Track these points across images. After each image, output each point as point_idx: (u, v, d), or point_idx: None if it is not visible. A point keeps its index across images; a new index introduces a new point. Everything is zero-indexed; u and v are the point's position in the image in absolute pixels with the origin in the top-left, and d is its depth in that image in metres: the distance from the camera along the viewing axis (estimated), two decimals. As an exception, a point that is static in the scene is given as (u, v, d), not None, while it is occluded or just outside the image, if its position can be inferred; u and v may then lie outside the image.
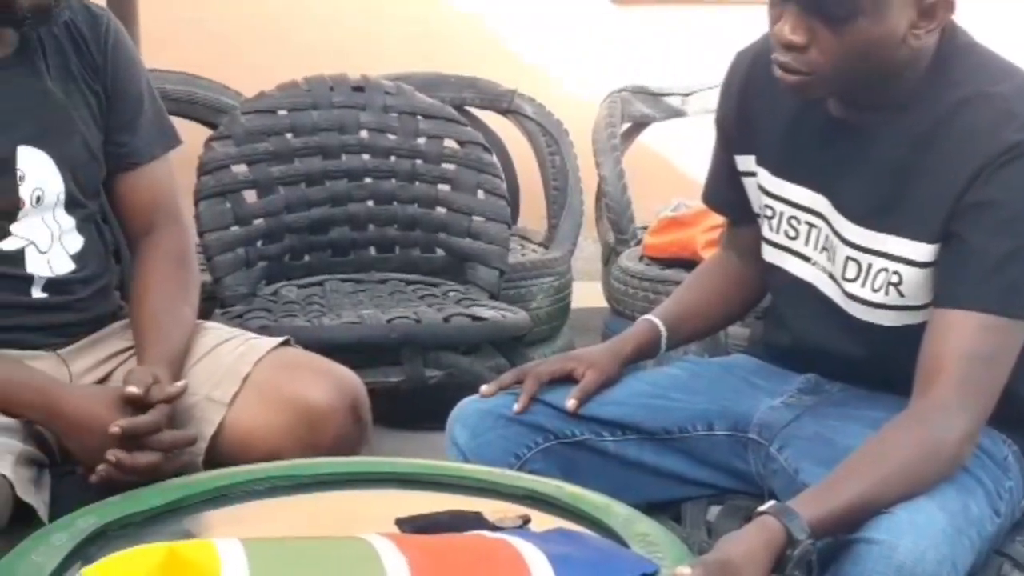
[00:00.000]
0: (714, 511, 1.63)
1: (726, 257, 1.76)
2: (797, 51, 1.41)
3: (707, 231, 2.70)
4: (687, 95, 3.33)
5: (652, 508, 1.49)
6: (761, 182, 1.60)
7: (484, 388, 1.62)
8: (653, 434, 1.61)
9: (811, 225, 1.55)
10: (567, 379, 1.61)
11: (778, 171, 1.57)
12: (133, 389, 1.52)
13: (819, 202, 1.53)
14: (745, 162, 1.63)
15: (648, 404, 1.61)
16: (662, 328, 1.68)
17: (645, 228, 3.00)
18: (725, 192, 1.70)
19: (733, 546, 1.26)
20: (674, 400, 1.62)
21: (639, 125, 3.35)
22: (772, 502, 1.32)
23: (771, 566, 1.25)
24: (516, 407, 1.58)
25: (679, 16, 3.96)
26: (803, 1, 1.39)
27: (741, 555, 1.24)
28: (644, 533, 1.28)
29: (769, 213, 1.59)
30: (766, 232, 1.61)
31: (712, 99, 1.79)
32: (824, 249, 1.54)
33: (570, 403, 1.58)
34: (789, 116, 1.55)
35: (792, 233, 1.57)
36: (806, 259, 1.57)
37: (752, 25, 1.69)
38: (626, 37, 3.93)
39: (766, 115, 1.58)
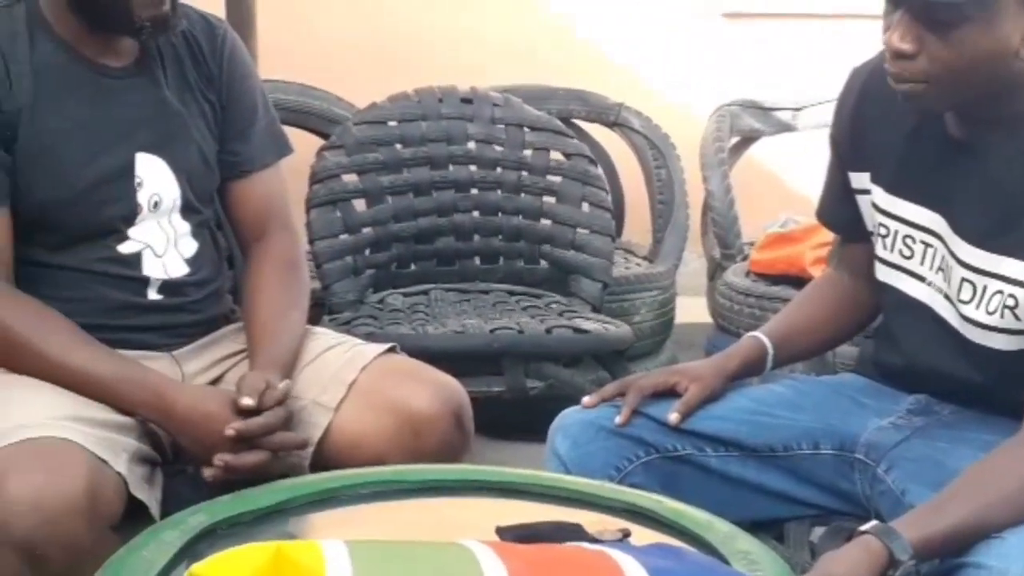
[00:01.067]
0: (818, 532, 1.60)
1: (837, 276, 1.73)
2: (907, 59, 1.39)
3: (816, 248, 2.67)
4: (798, 110, 3.29)
5: (754, 526, 1.46)
6: (875, 200, 1.57)
7: (586, 399, 1.62)
8: (756, 451, 1.59)
9: (927, 245, 1.52)
10: (670, 393, 1.60)
11: (893, 189, 1.55)
12: (247, 401, 1.55)
13: (935, 221, 1.50)
14: (859, 179, 1.60)
15: (752, 420, 1.60)
16: (769, 346, 1.66)
17: (752, 244, 2.97)
18: (838, 209, 1.67)
19: (834, 565, 1.24)
20: (779, 417, 1.60)
21: (748, 140, 3.32)
22: (874, 522, 1.29)
23: None
24: (618, 420, 1.57)
25: (791, 30, 3.92)
26: (911, 8, 1.37)
27: (842, 575, 1.22)
28: (746, 551, 1.26)
29: (883, 232, 1.57)
30: (880, 251, 1.58)
31: (824, 114, 1.77)
32: (940, 269, 1.51)
33: (672, 416, 1.58)
34: (905, 134, 1.52)
35: (907, 252, 1.54)
36: (921, 279, 1.54)
37: (866, 39, 1.67)
38: (736, 51, 3.90)
39: (881, 132, 1.55)
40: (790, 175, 3.74)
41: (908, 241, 1.54)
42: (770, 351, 1.66)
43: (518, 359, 2.33)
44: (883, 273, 1.58)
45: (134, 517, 1.48)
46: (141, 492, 1.50)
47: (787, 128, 3.31)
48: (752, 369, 1.67)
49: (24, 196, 1.61)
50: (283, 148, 1.84)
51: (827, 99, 1.71)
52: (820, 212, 1.74)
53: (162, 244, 1.70)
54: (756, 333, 1.68)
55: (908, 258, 1.54)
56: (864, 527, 1.28)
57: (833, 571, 1.23)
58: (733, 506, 1.49)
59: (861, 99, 1.58)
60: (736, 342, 1.68)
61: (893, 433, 1.55)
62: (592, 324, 2.41)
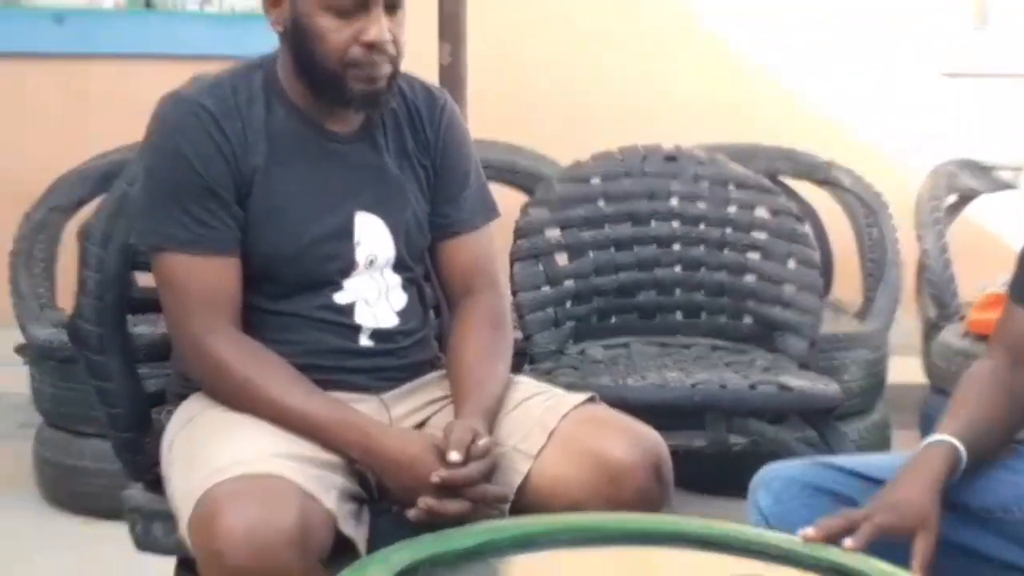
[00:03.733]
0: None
1: (994, 366, 1.59)
2: None
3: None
4: (1018, 169, 3.16)
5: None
6: None
7: (808, 531, 1.41)
8: (971, 511, 1.50)
9: None
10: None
11: None
12: (455, 456, 1.57)
13: None
14: None
15: (968, 481, 1.51)
16: (963, 454, 1.49)
17: (968, 304, 2.85)
18: None
19: None
20: (995, 480, 1.52)
21: (965, 199, 3.21)
22: None
23: None
24: (852, 543, 1.39)
25: (1011, 90, 3.78)
26: None
27: None
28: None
29: None
30: None
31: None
32: None
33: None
34: None
35: None
36: None
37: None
38: (954, 110, 3.78)
39: None
40: (1009, 234, 3.58)
41: None
42: (963, 461, 1.49)
43: (720, 414, 2.29)
44: None
45: (341, 553, 1.52)
46: (349, 528, 1.55)
47: (1007, 187, 3.18)
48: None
49: (252, 249, 1.70)
50: (491, 212, 1.89)
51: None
52: (1014, 291, 1.61)
53: (374, 296, 1.76)
54: (945, 437, 1.50)
55: None
56: None
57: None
58: (944, 570, 1.42)
59: None
60: (930, 453, 1.50)
61: None
62: (798, 381, 2.35)
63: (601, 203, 2.67)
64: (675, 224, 2.68)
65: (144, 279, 1.84)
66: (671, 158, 2.72)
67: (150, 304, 1.80)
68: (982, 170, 3.19)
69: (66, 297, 2.74)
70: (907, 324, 3.30)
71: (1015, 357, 1.59)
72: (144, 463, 1.81)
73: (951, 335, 2.75)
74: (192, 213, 1.66)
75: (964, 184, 3.17)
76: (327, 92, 1.69)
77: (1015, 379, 1.58)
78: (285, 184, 1.70)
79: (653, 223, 2.67)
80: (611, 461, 1.61)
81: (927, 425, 3.08)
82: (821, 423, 2.35)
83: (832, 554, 1.38)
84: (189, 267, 1.67)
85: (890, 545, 1.41)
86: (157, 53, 3.71)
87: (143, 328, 2.10)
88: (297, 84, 1.72)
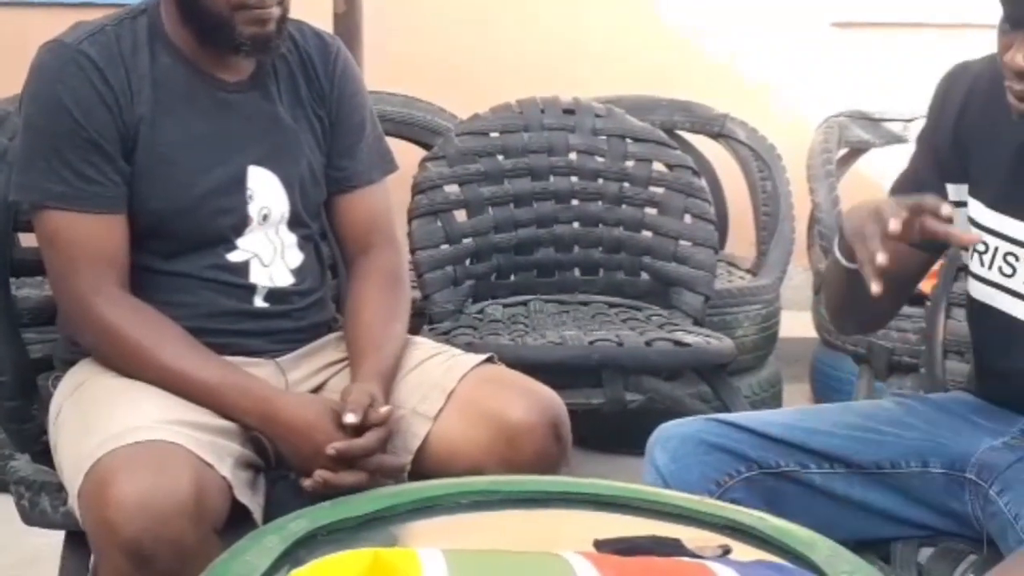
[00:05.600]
0: (926, 553, 1.56)
1: None
2: None
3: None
4: (909, 121, 3.22)
5: (859, 546, 1.43)
6: (972, 214, 1.52)
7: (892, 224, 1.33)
8: (863, 468, 1.55)
9: None
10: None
11: (997, 205, 1.49)
12: (351, 418, 1.56)
13: None
14: (957, 191, 1.55)
15: (859, 437, 1.56)
16: None
17: (859, 257, 2.90)
18: None
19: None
20: (887, 434, 1.56)
21: (856, 151, 3.26)
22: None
23: None
24: (893, 226, 1.33)
25: (901, 40, 3.84)
26: None
27: None
28: (851, 572, 1.23)
29: (982, 248, 1.51)
30: (976, 268, 1.53)
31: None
32: None
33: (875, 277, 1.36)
34: (1012, 146, 1.47)
35: (1008, 271, 1.49)
36: (1022, 297, 1.48)
37: (976, 49, 1.62)
38: (845, 61, 3.84)
39: (985, 143, 1.50)
40: (900, 187, 3.66)
41: (1010, 259, 1.48)
42: None
43: (617, 372, 2.31)
44: (979, 291, 1.53)
45: (237, 521, 1.50)
46: (245, 496, 1.52)
47: (897, 139, 3.24)
48: None
49: (140, 205, 1.65)
50: (389, 165, 1.86)
51: (940, 110, 1.65)
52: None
53: (269, 254, 1.73)
54: None
55: (1009, 276, 1.49)
56: None
57: None
58: (837, 525, 1.46)
59: (963, 109, 1.53)
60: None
61: (1007, 454, 1.50)
62: (693, 337, 2.38)
63: (500, 158, 2.66)
64: (574, 179, 2.68)
65: (27, 239, 1.78)
66: (569, 111, 2.72)
67: (34, 266, 1.74)
68: (872, 122, 3.23)
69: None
70: (799, 278, 3.36)
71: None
72: (30, 432, 1.75)
73: (841, 288, 2.80)
74: (74, 167, 1.60)
75: (855, 136, 3.21)
76: (215, 37, 1.64)
77: None
78: (172, 135, 1.65)
79: (552, 178, 2.67)
80: (510, 422, 1.62)
81: (818, 379, 3.16)
82: (715, 379, 2.39)
83: (728, 511, 1.40)
84: (73, 225, 1.61)
85: None
86: (38, 0, 3.57)
87: (27, 291, 2.03)
88: (183, 31, 1.66)
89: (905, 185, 1.61)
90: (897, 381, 2.11)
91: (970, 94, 1.52)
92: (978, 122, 1.51)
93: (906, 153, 3.38)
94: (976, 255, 1.52)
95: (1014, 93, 1.36)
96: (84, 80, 1.61)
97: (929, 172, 1.59)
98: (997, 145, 1.48)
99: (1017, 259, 1.48)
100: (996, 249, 1.50)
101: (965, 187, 1.53)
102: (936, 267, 2.45)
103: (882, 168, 3.56)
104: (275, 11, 1.63)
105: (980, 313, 1.55)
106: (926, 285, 2.50)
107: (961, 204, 1.54)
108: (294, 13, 1.71)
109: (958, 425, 1.56)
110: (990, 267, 1.51)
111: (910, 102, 3.23)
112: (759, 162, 3.18)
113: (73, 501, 1.52)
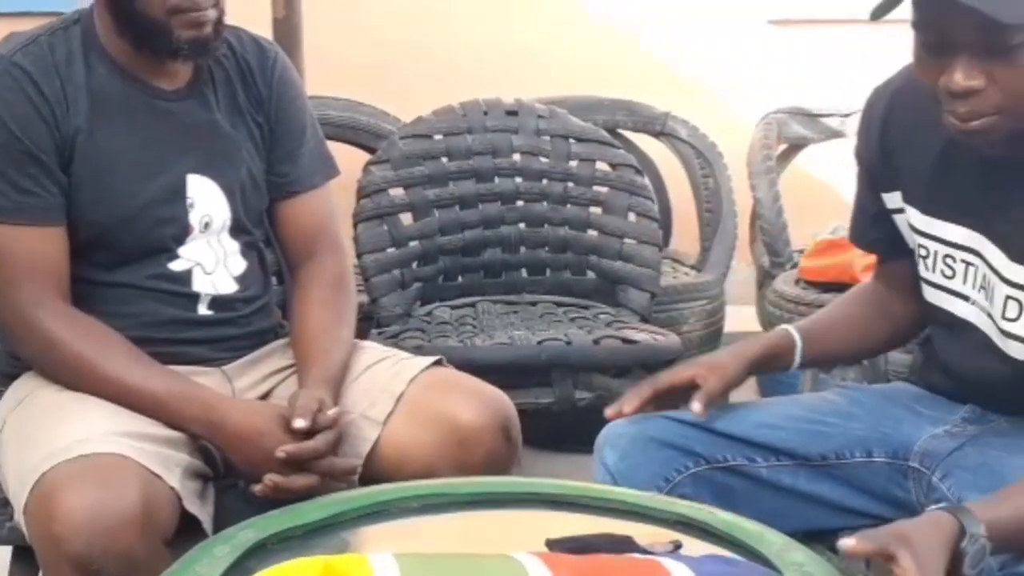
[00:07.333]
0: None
1: (874, 288, 1.71)
2: (975, 96, 1.34)
3: (866, 255, 2.63)
4: (846, 116, 3.26)
5: (807, 537, 1.45)
6: (911, 220, 1.56)
7: (625, 407, 1.56)
8: (808, 460, 1.57)
9: (967, 263, 1.50)
10: (690, 386, 1.56)
11: (929, 210, 1.53)
12: (300, 423, 1.55)
13: (975, 240, 1.48)
14: (892, 199, 1.59)
15: (804, 429, 1.58)
16: (798, 339, 1.61)
17: (801, 251, 2.94)
18: (871, 231, 1.66)
19: (908, 526, 1.23)
20: (831, 425, 1.59)
21: (796, 147, 3.30)
22: (942, 503, 1.27)
23: (946, 558, 1.21)
24: (626, 408, 1.55)
25: (837, 36, 3.89)
26: (975, 46, 1.32)
27: (914, 531, 1.21)
28: (800, 563, 1.24)
29: (923, 252, 1.55)
30: (923, 272, 1.56)
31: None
32: (982, 288, 1.49)
33: (694, 407, 1.53)
34: (936, 153, 1.50)
35: (948, 272, 1.52)
36: (965, 298, 1.52)
37: (911, 45, 1.65)
38: (783, 58, 3.88)
39: (910, 152, 1.53)
40: (839, 182, 3.70)
41: (949, 261, 1.52)
42: (798, 345, 1.61)
43: (566, 370, 2.32)
44: (929, 294, 1.57)
45: (187, 532, 1.49)
46: (194, 507, 1.52)
47: (835, 134, 3.28)
48: (777, 361, 1.62)
49: (79, 216, 1.63)
50: (331, 170, 1.85)
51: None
52: (853, 235, 1.72)
53: (212, 262, 1.72)
54: (788, 327, 1.64)
55: (950, 278, 1.52)
56: (932, 507, 1.27)
57: (907, 527, 1.22)
58: (785, 517, 1.48)
59: (887, 121, 1.57)
60: (761, 335, 1.66)
61: (948, 441, 1.53)
62: (641, 335, 2.39)
63: (444, 160, 2.66)
64: (518, 180, 2.69)
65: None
66: (512, 112, 2.73)
67: (-27, 280, 1.71)
68: (810, 118, 3.28)
69: None
70: (743, 273, 3.40)
71: (889, 284, 1.67)
72: (-28, 448, 1.72)
73: (784, 283, 2.83)
74: (11, 179, 1.59)
75: (794, 132, 3.25)
76: (151, 43, 1.63)
77: (891, 301, 1.67)
78: (110, 145, 1.64)
79: (497, 180, 2.68)
80: (459, 424, 1.62)
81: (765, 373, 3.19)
82: (663, 374, 2.40)
83: (678, 507, 1.41)
84: (12, 237, 1.60)
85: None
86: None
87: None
88: (118, 39, 1.65)
89: (857, 205, 1.68)
90: (841, 372, 2.14)
91: (892, 107, 1.56)
92: (903, 132, 1.54)
93: (844, 147, 3.44)
94: (921, 259, 1.56)
95: (957, 115, 1.37)
96: (19, 92, 1.59)
97: (864, 187, 1.65)
98: (922, 153, 1.52)
99: (955, 260, 1.51)
100: (936, 253, 1.53)
101: (898, 195, 1.57)
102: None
103: (821, 163, 3.61)
104: (211, 13, 1.62)
105: (931, 313, 1.58)
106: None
107: (899, 211, 1.58)
108: (233, 19, 1.70)
109: (901, 414, 1.59)
110: (933, 270, 1.55)
111: (847, 97, 3.28)
112: (701, 160, 3.21)
113: (19, 516, 1.50)
